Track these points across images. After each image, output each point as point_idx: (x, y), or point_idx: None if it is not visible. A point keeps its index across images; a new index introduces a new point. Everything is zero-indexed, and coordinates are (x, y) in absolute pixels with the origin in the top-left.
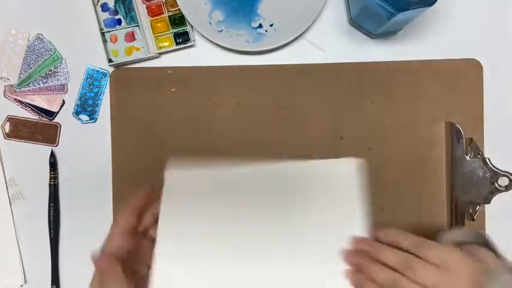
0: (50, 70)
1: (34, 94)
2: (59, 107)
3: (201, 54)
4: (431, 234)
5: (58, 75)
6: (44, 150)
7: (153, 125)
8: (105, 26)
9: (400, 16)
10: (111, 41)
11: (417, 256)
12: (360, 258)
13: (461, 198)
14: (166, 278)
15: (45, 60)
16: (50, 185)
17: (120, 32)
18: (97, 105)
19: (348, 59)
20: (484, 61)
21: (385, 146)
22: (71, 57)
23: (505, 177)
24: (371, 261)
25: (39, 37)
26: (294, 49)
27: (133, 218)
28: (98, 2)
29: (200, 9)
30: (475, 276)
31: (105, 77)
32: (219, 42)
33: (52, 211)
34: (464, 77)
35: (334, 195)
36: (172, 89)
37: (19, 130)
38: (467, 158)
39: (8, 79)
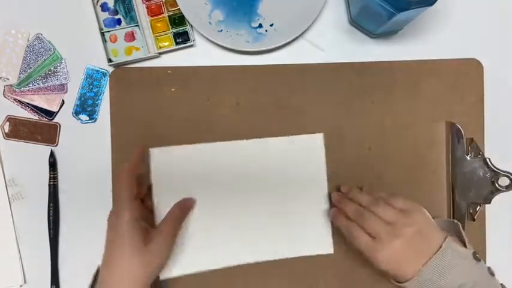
0: (50, 70)
1: (34, 94)
2: (58, 107)
3: (201, 54)
4: None
5: (58, 75)
6: (44, 150)
7: (153, 125)
8: (105, 25)
9: (400, 16)
10: (110, 40)
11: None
12: (340, 197)
13: (461, 198)
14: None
15: (44, 60)
16: (49, 185)
17: (120, 31)
18: (97, 105)
19: (348, 59)
20: (485, 61)
21: (385, 146)
22: (71, 57)
23: (506, 177)
24: (346, 200)
25: (38, 37)
26: (294, 49)
27: (133, 180)
28: (97, 1)
29: (200, 9)
30: (433, 228)
31: (104, 77)
32: (219, 42)
33: (52, 211)
34: (464, 76)
35: (304, 162)
36: (172, 89)
37: (19, 130)
38: (468, 158)
39: (8, 79)
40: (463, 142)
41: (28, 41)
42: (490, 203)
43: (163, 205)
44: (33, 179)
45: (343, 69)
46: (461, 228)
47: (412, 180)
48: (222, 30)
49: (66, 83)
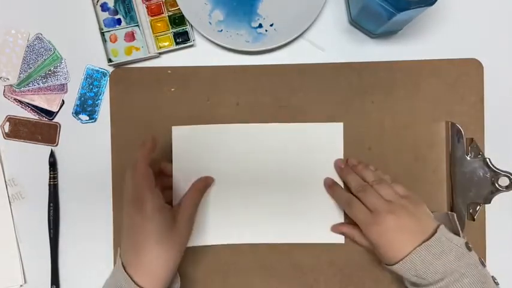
0: (50, 70)
1: (34, 94)
2: (58, 107)
3: (201, 54)
4: None
5: (58, 75)
6: (44, 150)
7: (153, 125)
8: (105, 25)
9: (400, 16)
10: (110, 40)
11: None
12: (344, 165)
13: (461, 198)
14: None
15: (44, 60)
16: (49, 185)
17: (120, 31)
18: (97, 105)
19: (348, 59)
20: (485, 61)
21: (385, 146)
22: (71, 57)
23: (506, 177)
24: (350, 171)
25: (38, 37)
26: (294, 49)
27: (149, 168)
28: (97, 1)
29: (200, 8)
30: (428, 216)
31: (104, 77)
32: (219, 42)
33: (52, 211)
34: (464, 76)
35: (323, 149)
36: (172, 89)
37: (19, 130)
38: (468, 158)
39: (8, 79)
40: (463, 142)
41: (28, 41)
42: (490, 203)
43: (182, 182)
44: (33, 178)
45: (343, 69)
46: (455, 218)
47: (412, 180)
48: (222, 30)
49: (66, 83)
